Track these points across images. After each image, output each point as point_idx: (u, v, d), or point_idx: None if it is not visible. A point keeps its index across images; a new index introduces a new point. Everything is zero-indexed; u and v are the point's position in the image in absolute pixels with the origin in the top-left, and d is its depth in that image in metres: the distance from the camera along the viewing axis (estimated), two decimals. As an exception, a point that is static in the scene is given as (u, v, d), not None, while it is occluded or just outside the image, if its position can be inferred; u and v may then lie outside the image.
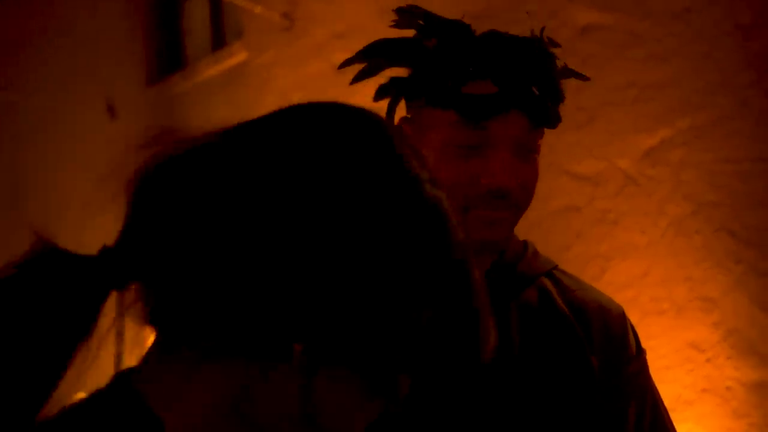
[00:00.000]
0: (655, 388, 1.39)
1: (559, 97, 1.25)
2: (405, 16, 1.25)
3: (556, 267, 1.35)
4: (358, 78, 1.30)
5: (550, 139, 3.37)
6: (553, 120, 1.26)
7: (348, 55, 1.32)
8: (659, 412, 1.38)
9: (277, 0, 4.52)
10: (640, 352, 1.36)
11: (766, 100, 2.63)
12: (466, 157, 1.21)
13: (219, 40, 5.33)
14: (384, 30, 1.29)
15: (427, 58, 1.22)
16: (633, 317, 3.02)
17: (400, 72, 1.28)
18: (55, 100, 6.16)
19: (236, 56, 4.88)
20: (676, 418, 2.96)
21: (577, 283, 1.35)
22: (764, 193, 2.63)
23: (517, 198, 1.23)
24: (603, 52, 3.03)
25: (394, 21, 1.26)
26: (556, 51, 1.30)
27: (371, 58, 1.28)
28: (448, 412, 1.19)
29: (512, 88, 1.20)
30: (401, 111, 1.28)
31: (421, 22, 1.24)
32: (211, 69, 5.08)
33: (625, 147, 2.98)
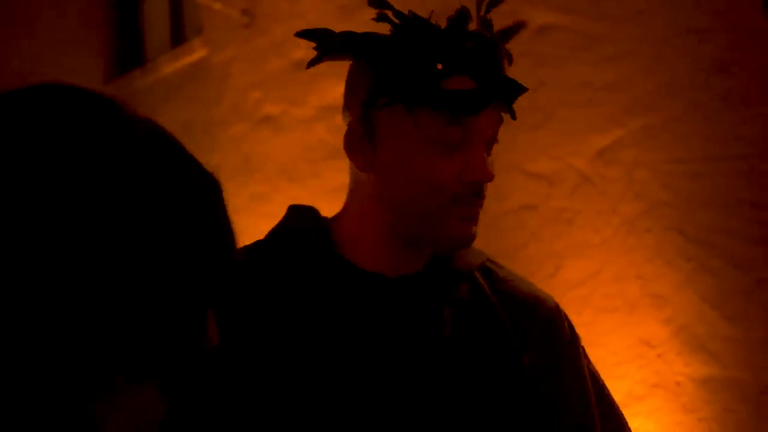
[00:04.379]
0: (597, 374, 1.42)
1: (522, 87, 1.26)
2: (375, 6, 1.24)
3: (487, 259, 1.36)
4: (315, 62, 1.28)
5: (506, 138, 3.41)
6: (514, 112, 1.28)
7: (307, 52, 1.31)
8: (605, 399, 1.40)
9: (237, -3, 4.51)
10: (575, 338, 1.39)
11: (716, 102, 2.66)
12: (446, 153, 1.21)
13: (178, 37, 5.30)
14: (344, 28, 1.28)
15: (404, 55, 1.22)
16: (586, 315, 3.08)
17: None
18: (11, 94, 6.08)
19: (196, 53, 4.86)
20: (627, 412, 3.00)
21: (509, 275, 1.37)
22: (713, 193, 2.67)
23: (484, 194, 1.26)
24: (559, 52, 3.06)
25: (376, 15, 1.24)
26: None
27: (337, 54, 1.26)
28: (380, 411, 1.20)
29: (490, 82, 1.21)
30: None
31: (396, 21, 1.23)
32: (171, 65, 5.05)
33: (579, 147, 3.00)
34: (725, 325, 2.62)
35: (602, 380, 1.42)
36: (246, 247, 1.28)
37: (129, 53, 5.70)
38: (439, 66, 1.20)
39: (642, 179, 2.83)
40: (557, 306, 1.40)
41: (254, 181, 4.25)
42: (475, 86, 1.21)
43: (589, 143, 2.97)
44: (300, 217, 1.32)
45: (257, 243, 1.31)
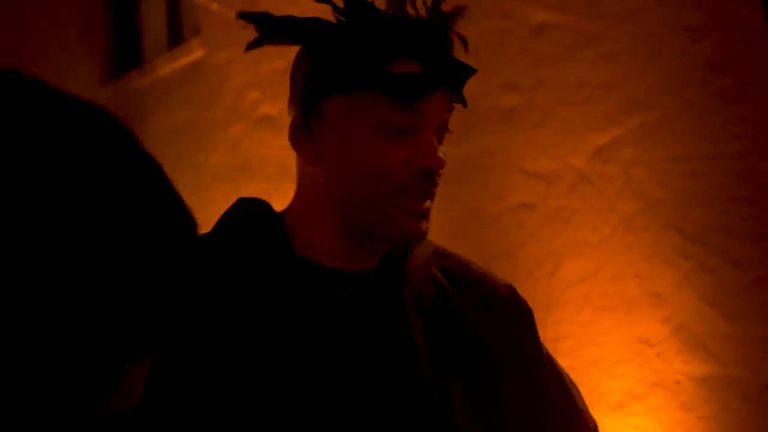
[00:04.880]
0: (554, 359, 1.41)
1: (470, 69, 1.23)
2: None
3: (438, 248, 1.34)
4: (253, 46, 1.26)
5: (504, 137, 3.43)
6: (464, 99, 1.24)
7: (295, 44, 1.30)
8: (562, 381, 1.39)
9: (235, -3, 4.51)
10: (532, 320, 1.38)
11: (713, 100, 2.67)
12: (394, 140, 1.18)
13: (176, 37, 5.30)
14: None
15: (349, 40, 1.20)
16: (585, 314, 3.08)
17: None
18: (9, 96, 6.08)
19: (193, 53, 4.86)
20: (626, 411, 3.01)
21: (463, 263, 1.36)
22: (711, 191, 2.67)
23: (436, 182, 1.22)
24: (556, 51, 3.06)
25: None
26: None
27: (279, 39, 1.24)
28: (344, 408, 1.18)
29: (437, 66, 1.19)
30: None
31: (339, 5, 1.21)
32: (168, 66, 5.05)
33: (577, 145, 3.00)
34: (724, 324, 2.62)
35: (556, 362, 1.41)
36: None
37: (126, 54, 5.70)
38: (388, 50, 1.18)
39: (639, 177, 2.83)
40: (512, 287, 1.37)
41: (253, 182, 4.25)
42: (421, 70, 1.18)
43: (587, 142, 2.98)
44: (249, 209, 1.30)
45: (203, 235, 1.28)
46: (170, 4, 5.43)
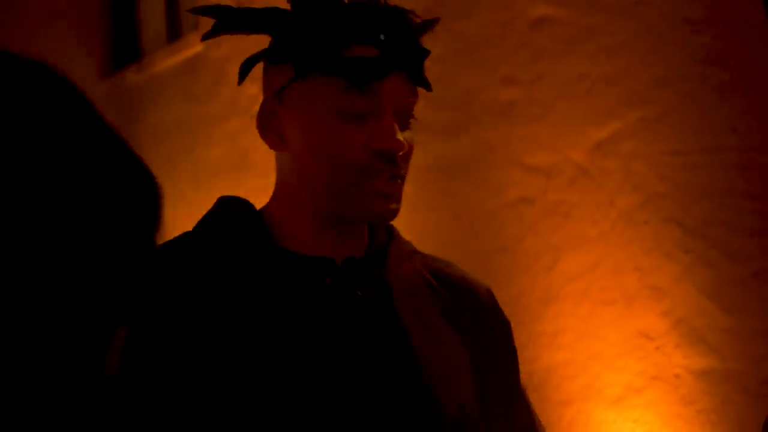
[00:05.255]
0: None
1: (424, 51, 1.25)
2: None
3: (415, 249, 1.36)
4: (210, 35, 1.29)
5: (503, 131, 3.43)
6: (427, 84, 1.26)
7: (252, 33, 1.30)
8: (529, 404, 1.43)
9: (233, -8, 4.50)
10: (507, 323, 1.41)
11: (713, 93, 2.66)
12: (352, 124, 1.20)
13: (174, 32, 5.30)
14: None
15: (306, 25, 1.21)
16: (584, 307, 3.08)
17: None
18: (7, 91, 6.07)
19: (192, 48, 4.85)
20: (626, 405, 3.01)
21: (443, 262, 1.39)
22: (710, 184, 2.67)
23: (402, 167, 1.23)
24: (556, 45, 3.06)
25: None
26: None
27: (232, 29, 1.27)
28: (334, 387, 1.19)
29: (394, 50, 1.20)
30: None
31: None
32: (167, 61, 5.04)
33: (577, 139, 3.00)
34: (724, 317, 2.62)
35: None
36: (173, 240, 1.27)
37: (124, 49, 5.69)
38: (344, 35, 1.19)
39: (639, 171, 2.83)
40: (491, 292, 1.40)
41: (252, 177, 4.24)
42: (377, 53, 1.19)
43: (587, 136, 2.97)
44: (229, 206, 1.32)
45: (185, 234, 1.29)
46: (168, -1, 5.42)
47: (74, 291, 0.55)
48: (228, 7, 1.27)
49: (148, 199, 0.61)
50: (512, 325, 1.48)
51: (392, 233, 1.36)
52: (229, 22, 1.28)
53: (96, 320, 0.56)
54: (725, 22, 2.65)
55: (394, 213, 1.24)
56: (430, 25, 1.30)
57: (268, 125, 1.28)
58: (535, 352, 2.97)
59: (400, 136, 1.21)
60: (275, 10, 1.24)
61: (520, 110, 3.13)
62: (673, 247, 2.74)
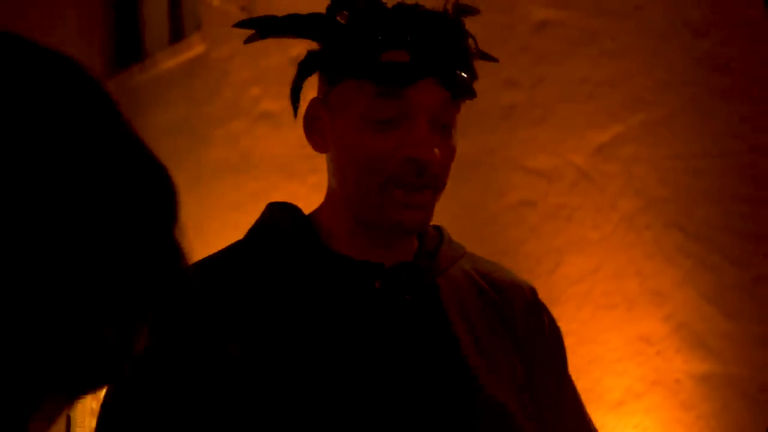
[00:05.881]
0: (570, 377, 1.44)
1: (472, 71, 1.24)
2: None
3: (466, 252, 1.36)
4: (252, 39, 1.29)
5: (505, 134, 3.42)
6: (468, 93, 1.24)
7: (307, 47, 1.32)
8: (577, 397, 1.42)
9: (236, -7, 4.51)
10: (556, 329, 1.42)
11: (715, 97, 2.66)
12: (384, 130, 1.19)
13: (177, 32, 5.30)
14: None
15: (340, 30, 1.21)
16: (586, 311, 3.07)
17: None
18: (9, 90, 6.08)
19: (195, 48, 4.86)
20: (626, 410, 3.01)
21: (492, 265, 1.39)
22: (713, 189, 2.66)
23: (435, 176, 1.22)
24: (558, 48, 3.06)
25: None
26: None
27: (278, 34, 1.27)
28: (391, 390, 1.19)
29: (426, 55, 1.18)
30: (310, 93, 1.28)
31: None
32: (170, 61, 5.05)
33: (578, 143, 3.00)
34: (725, 322, 2.62)
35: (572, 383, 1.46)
36: (227, 248, 1.29)
37: (127, 49, 5.69)
38: (375, 38, 1.19)
39: (641, 175, 2.83)
40: (534, 290, 1.40)
41: (253, 178, 4.25)
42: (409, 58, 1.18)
43: (588, 139, 2.97)
44: (279, 213, 1.32)
45: (237, 243, 1.31)
46: (171, 0, 5.42)
47: (93, 285, 0.54)
48: (271, 18, 1.28)
49: (164, 192, 0.61)
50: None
51: (442, 236, 1.36)
52: (272, 30, 1.29)
53: (119, 313, 0.56)
54: (727, 26, 2.65)
55: (422, 224, 1.24)
56: (484, 57, 1.30)
57: (313, 128, 1.28)
58: (536, 355, 2.97)
59: (431, 144, 1.19)
60: (314, 16, 1.25)
61: (522, 113, 3.13)
62: (674, 251, 2.74)
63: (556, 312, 2.98)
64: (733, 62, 2.64)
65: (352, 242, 1.26)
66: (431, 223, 1.32)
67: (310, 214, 1.31)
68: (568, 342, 2.94)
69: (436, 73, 1.19)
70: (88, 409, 2.30)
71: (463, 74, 1.23)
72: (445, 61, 1.20)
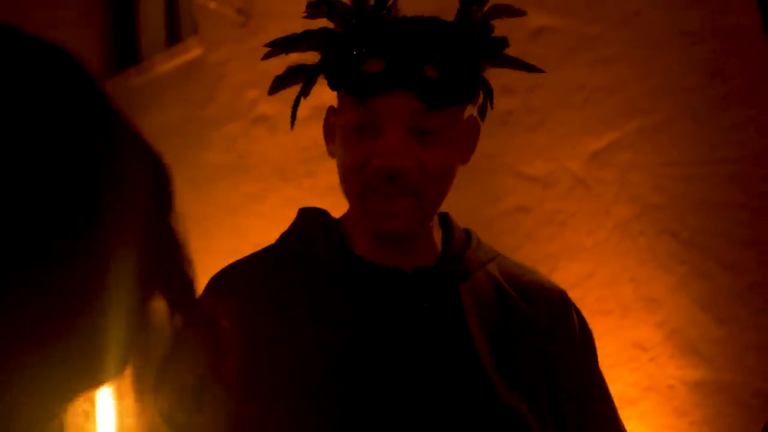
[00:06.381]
0: (601, 376, 1.43)
1: (458, 77, 1.23)
2: (314, 6, 1.28)
3: (499, 254, 1.38)
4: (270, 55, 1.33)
5: (501, 140, 3.43)
6: (451, 100, 1.23)
7: (303, 51, 1.35)
8: (608, 399, 1.41)
9: (233, -4, 4.51)
10: (586, 331, 1.40)
11: (710, 105, 2.67)
12: (360, 139, 1.21)
13: (174, 36, 5.30)
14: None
15: (330, 42, 1.25)
16: (579, 316, 3.05)
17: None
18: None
19: (191, 52, 4.86)
20: (620, 416, 3.00)
21: (521, 268, 1.39)
22: (707, 196, 2.67)
23: (415, 182, 1.21)
24: (554, 54, 3.06)
25: (305, 12, 1.28)
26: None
27: (288, 50, 1.31)
28: (408, 391, 1.20)
29: (398, 66, 1.19)
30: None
31: (326, 8, 1.26)
32: (166, 64, 5.05)
33: (574, 149, 3.01)
34: (717, 329, 2.62)
35: (605, 383, 1.44)
36: (257, 253, 1.31)
37: (124, 51, 5.69)
38: (356, 50, 1.22)
39: (636, 182, 2.83)
40: (564, 293, 1.41)
41: (249, 180, 4.25)
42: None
43: (584, 145, 2.98)
44: (310, 218, 1.34)
45: (269, 248, 1.33)
46: (168, 3, 5.42)
47: (94, 272, 0.54)
48: (292, 35, 1.30)
49: (158, 181, 0.61)
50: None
51: (470, 239, 1.37)
52: (286, 44, 1.31)
53: (119, 298, 0.55)
54: (723, 33, 2.66)
55: (405, 232, 1.25)
56: (525, 67, 1.32)
57: (328, 135, 1.32)
58: (530, 360, 2.98)
59: (403, 152, 1.19)
60: (321, 30, 1.28)
61: (518, 119, 3.14)
62: (668, 258, 2.74)
63: (551, 317, 3.00)
64: (728, 69, 2.64)
65: (372, 247, 1.28)
66: (463, 227, 1.33)
67: (338, 219, 1.34)
68: (562, 348, 2.95)
69: (404, 83, 1.19)
70: (80, 412, 2.29)
71: (446, 81, 1.22)
72: (418, 71, 1.20)
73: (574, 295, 2.92)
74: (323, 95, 1.33)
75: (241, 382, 1.16)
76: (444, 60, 1.22)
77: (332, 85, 1.25)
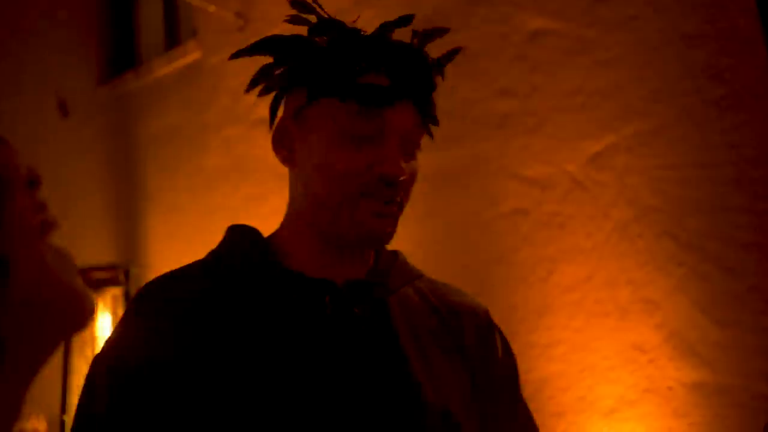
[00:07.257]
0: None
1: (433, 101, 1.33)
2: (299, 9, 1.34)
3: (424, 275, 1.44)
4: (252, 86, 1.41)
5: (499, 143, 3.42)
6: (434, 119, 1.34)
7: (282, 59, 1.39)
8: (530, 421, 1.47)
9: None
10: (509, 354, 1.47)
11: (708, 108, 2.67)
12: (359, 146, 1.27)
13: (173, 39, 5.31)
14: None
15: (322, 54, 1.29)
16: (578, 320, 3.07)
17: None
18: (4, 98, 6.08)
19: (190, 55, 4.86)
20: (618, 417, 3.00)
21: (448, 288, 1.46)
22: (705, 199, 2.67)
23: (402, 194, 1.29)
24: (552, 58, 3.07)
25: (288, 17, 1.34)
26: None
27: (260, 53, 1.37)
28: (330, 398, 1.22)
29: (402, 80, 1.27)
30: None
31: (313, 20, 1.32)
32: (165, 68, 5.05)
33: (572, 152, 3.01)
34: (716, 331, 2.62)
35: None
36: (189, 265, 1.33)
37: (123, 55, 5.70)
38: (359, 63, 1.27)
39: (634, 185, 2.84)
40: (487, 311, 1.47)
41: (248, 184, 4.25)
42: (389, 83, 1.27)
43: (582, 148, 2.98)
44: (238, 234, 1.38)
45: (198, 262, 1.36)
46: (167, 6, 5.43)
47: None
48: (270, 38, 1.37)
49: None
50: (506, 336, 1.51)
51: (397, 257, 1.43)
52: (262, 49, 1.38)
53: None
54: (721, 37, 2.66)
55: (389, 236, 1.30)
56: (437, 32, 1.37)
57: (282, 142, 1.37)
58: (529, 363, 2.98)
59: (402, 162, 1.27)
60: (296, 38, 1.33)
61: (516, 122, 3.14)
62: (666, 260, 2.74)
63: (549, 320, 3.00)
64: (726, 72, 2.65)
65: (309, 261, 1.32)
66: (389, 248, 1.38)
67: (269, 236, 1.38)
68: (561, 350, 2.96)
69: (412, 97, 1.29)
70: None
71: (432, 97, 1.32)
72: (419, 85, 1.30)
73: (572, 297, 2.94)
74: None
75: (169, 397, 1.18)
76: (430, 80, 1.32)
77: (319, 94, 1.29)
